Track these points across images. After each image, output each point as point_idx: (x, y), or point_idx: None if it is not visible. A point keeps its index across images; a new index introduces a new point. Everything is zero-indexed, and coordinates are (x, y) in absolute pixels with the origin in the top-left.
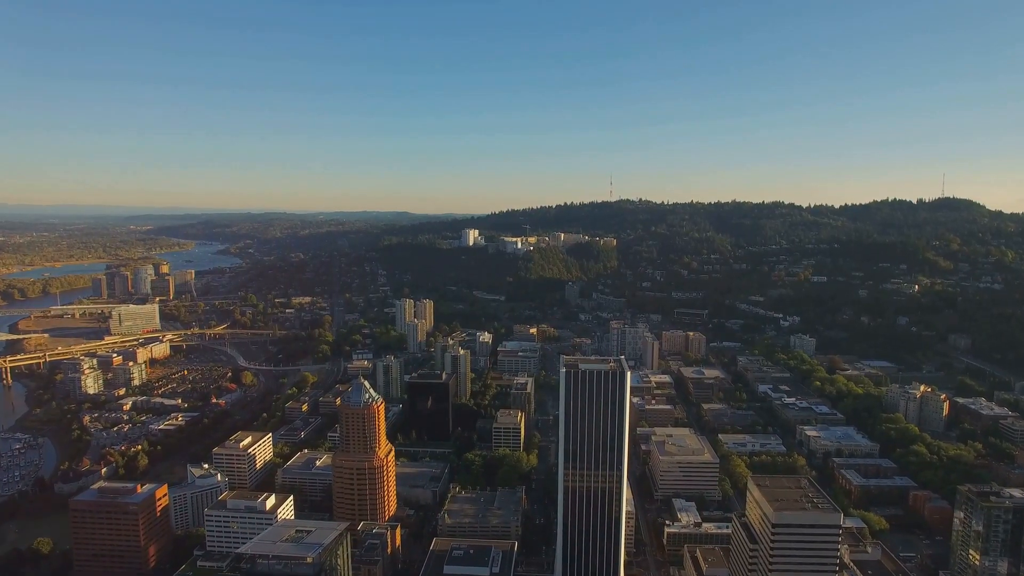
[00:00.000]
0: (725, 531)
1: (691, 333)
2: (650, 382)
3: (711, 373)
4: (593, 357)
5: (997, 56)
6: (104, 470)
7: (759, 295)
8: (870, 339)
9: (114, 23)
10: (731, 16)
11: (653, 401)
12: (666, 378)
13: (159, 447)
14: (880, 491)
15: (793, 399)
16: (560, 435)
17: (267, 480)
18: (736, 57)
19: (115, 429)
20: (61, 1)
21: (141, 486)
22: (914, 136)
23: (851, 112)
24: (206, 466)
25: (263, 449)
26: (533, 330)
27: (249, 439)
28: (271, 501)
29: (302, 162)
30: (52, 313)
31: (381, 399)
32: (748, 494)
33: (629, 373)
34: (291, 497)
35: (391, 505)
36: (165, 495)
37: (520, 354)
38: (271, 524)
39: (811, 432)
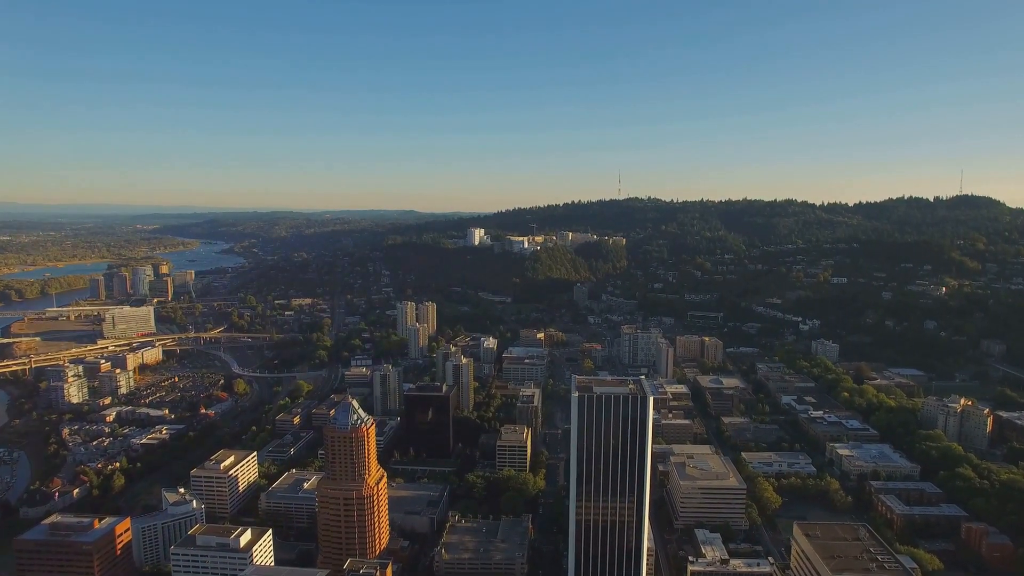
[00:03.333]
0: (756, 570)
1: (707, 338)
2: (665, 393)
3: (730, 382)
4: (609, 378)
5: (1012, 51)
6: (76, 491)
7: (776, 297)
8: (896, 344)
9: (122, 23)
10: (741, 13)
11: (670, 415)
12: (682, 388)
13: (139, 464)
14: (926, 521)
15: (820, 412)
16: (572, 466)
17: (250, 504)
18: (745, 54)
19: (94, 443)
20: (68, 1)
21: (99, 520)
22: (928, 133)
23: (862, 109)
24: (182, 491)
25: (247, 470)
26: (540, 335)
27: (232, 459)
28: (246, 537)
29: (310, 161)
30: (47, 315)
31: (371, 420)
32: (793, 543)
33: (652, 398)
34: (270, 532)
35: (383, 537)
36: (127, 530)
37: (527, 361)
38: (245, 564)
39: (843, 451)
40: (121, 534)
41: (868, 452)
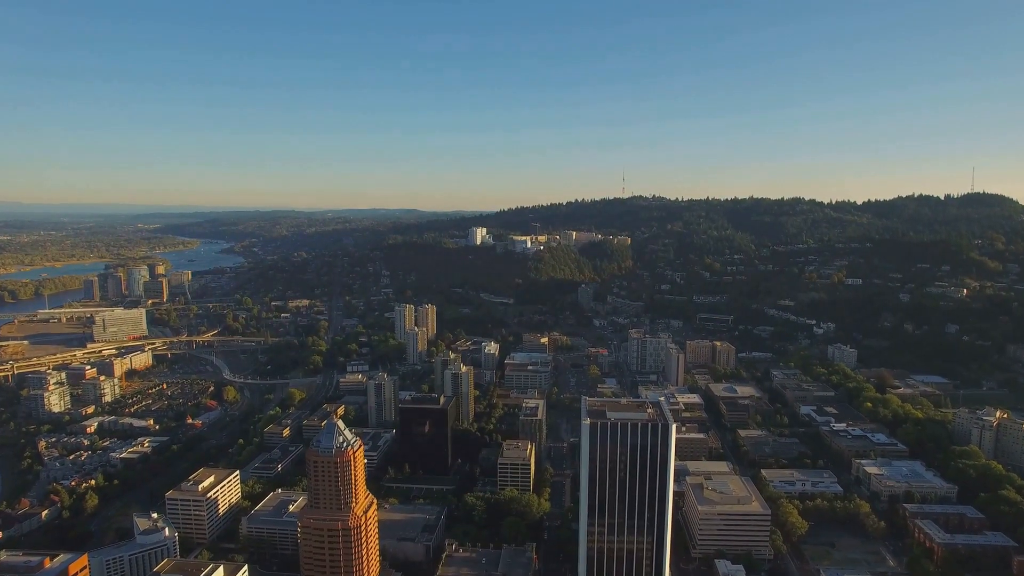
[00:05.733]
0: None
1: (718, 343)
2: (678, 403)
3: (744, 391)
4: (624, 400)
5: (1022, 47)
6: (45, 513)
7: (788, 299)
8: (916, 349)
9: (123, 21)
10: (746, 10)
11: (683, 428)
12: (695, 398)
13: (115, 481)
14: (971, 552)
15: (843, 424)
16: (582, 498)
17: (231, 529)
18: (749, 50)
19: (71, 457)
20: (69, 3)
21: (51, 558)
22: (936, 130)
23: (868, 106)
24: (155, 516)
25: (228, 491)
26: (544, 339)
27: (211, 479)
28: (218, 574)
29: (312, 160)
30: (38, 317)
31: (359, 442)
32: None
33: (674, 426)
34: (245, 567)
35: (372, 570)
36: (85, 567)
37: (530, 368)
38: None
39: (872, 469)
40: (76, 573)
41: (898, 470)
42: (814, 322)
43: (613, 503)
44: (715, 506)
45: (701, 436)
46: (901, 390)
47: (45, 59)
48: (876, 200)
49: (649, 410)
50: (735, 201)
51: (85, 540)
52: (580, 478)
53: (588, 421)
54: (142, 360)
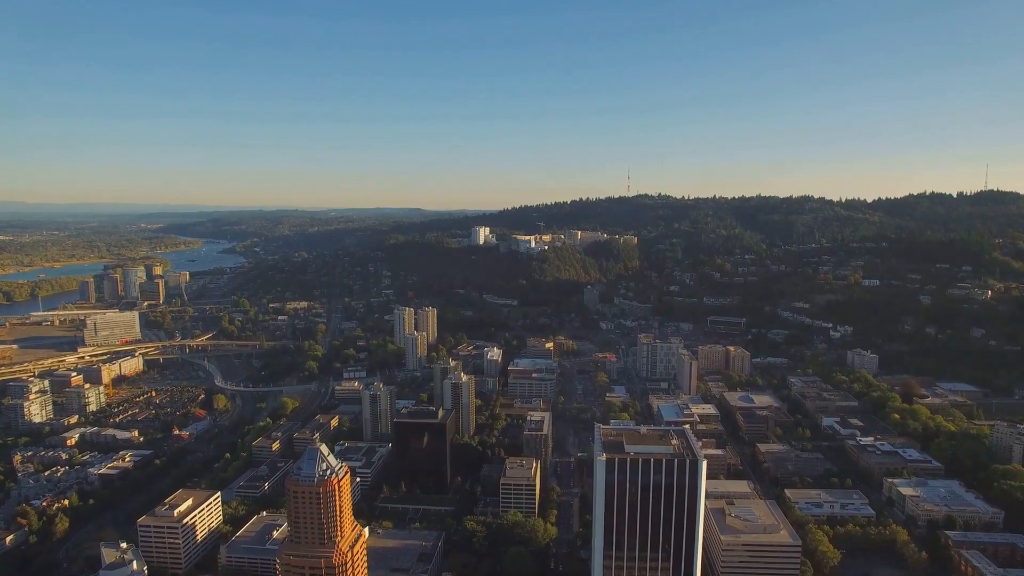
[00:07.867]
0: None
1: (732, 348)
2: (692, 415)
3: (761, 400)
4: (643, 429)
5: None
6: (10, 538)
7: (803, 301)
8: (940, 355)
9: (126, 17)
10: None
11: (699, 444)
12: (710, 408)
13: (92, 501)
14: None
15: (870, 438)
16: (595, 542)
17: (210, 557)
18: (748, 47)
19: (47, 473)
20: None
21: None
22: (946, 126)
23: (875, 102)
24: (124, 545)
25: (208, 514)
26: (549, 344)
27: (189, 502)
28: None
29: (316, 159)
30: (30, 320)
31: (344, 468)
32: None
33: (704, 462)
34: None
35: None
36: None
37: (535, 375)
38: None
39: (906, 490)
40: None
41: (935, 491)
42: (830, 325)
43: (632, 549)
44: (739, 535)
45: (719, 452)
46: (929, 399)
47: (46, 55)
48: (887, 198)
49: (674, 441)
50: (742, 199)
51: (51, 570)
52: (593, 518)
53: (604, 456)
54: (132, 365)
